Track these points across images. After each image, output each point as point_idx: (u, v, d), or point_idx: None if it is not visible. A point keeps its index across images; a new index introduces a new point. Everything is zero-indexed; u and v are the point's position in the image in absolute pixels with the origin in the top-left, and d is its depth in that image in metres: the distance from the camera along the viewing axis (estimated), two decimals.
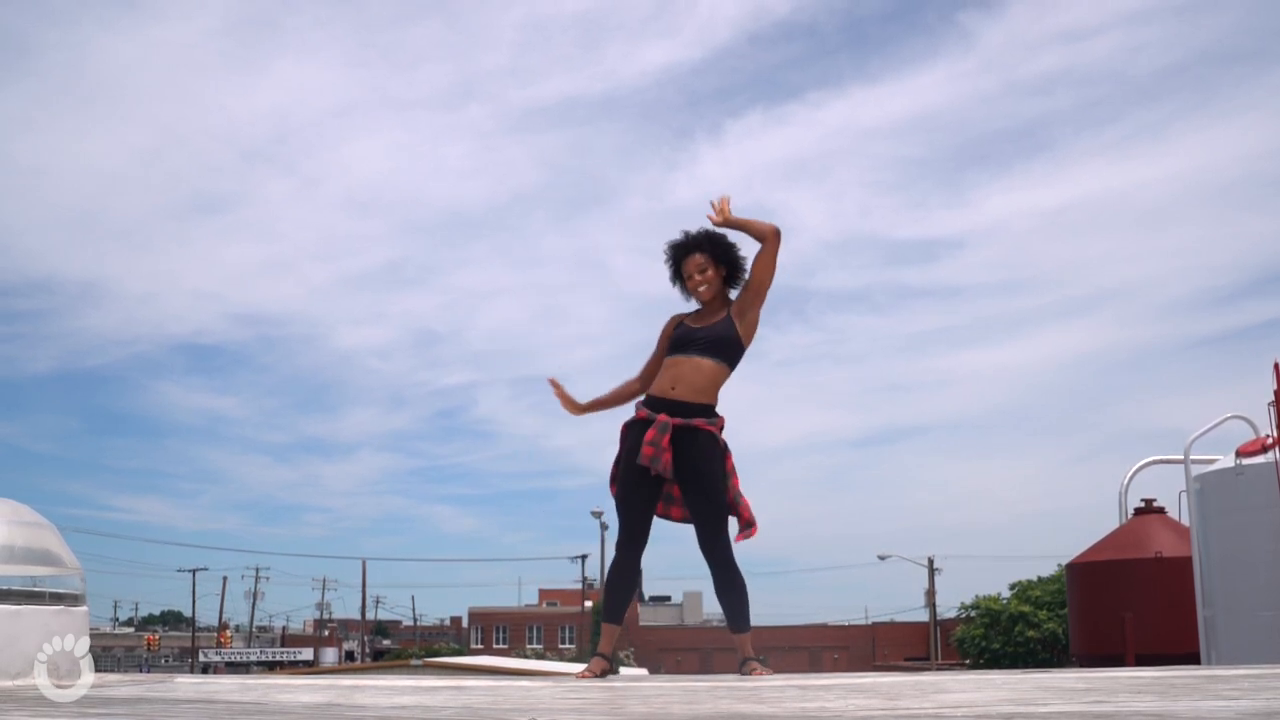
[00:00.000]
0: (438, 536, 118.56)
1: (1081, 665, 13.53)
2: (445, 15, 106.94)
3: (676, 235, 4.92)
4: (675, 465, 4.61)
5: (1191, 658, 10.62)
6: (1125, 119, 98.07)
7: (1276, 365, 9.34)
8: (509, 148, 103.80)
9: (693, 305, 4.93)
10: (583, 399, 5.10)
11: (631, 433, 4.73)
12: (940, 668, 38.87)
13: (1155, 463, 15.38)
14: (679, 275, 4.91)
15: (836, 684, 3.90)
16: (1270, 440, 9.69)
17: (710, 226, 4.83)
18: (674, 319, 4.95)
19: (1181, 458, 11.04)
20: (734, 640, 4.85)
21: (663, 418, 4.62)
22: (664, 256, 4.93)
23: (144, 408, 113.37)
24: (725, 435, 4.76)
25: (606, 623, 4.87)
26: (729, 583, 4.73)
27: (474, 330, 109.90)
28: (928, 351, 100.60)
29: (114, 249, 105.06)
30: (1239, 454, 10.03)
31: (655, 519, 4.77)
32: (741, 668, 4.68)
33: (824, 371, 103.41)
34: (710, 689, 3.72)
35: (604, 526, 42.81)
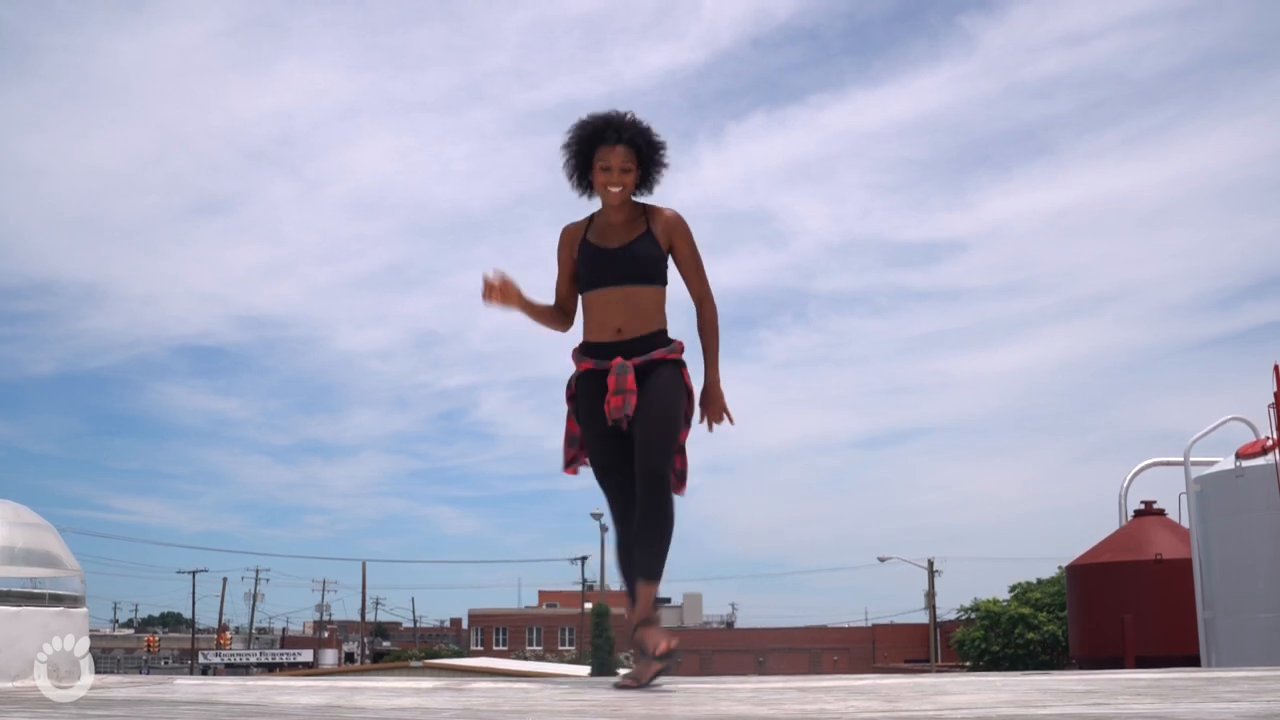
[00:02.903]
0: (438, 538, 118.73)
1: (1081, 667, 13.52)
2: (449, 18, 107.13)
3: (600, 113, 4.01)
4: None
5: (1191, 660, 10.60)
6: (1126, 122, 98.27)
7: (1276, 367, 9.33)
8: (512, 150, 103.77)
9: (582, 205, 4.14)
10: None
11: (583, 388, 4.01)
12: (940, 670, 38.86)
13: (1155, 464, 15.35)
14: (586, 159, 4.02)
15: (836, 686, 3.90)
16: (1270, 442, 9.68)
17: (636, 116, 4.01)
18: (569, 233, 4.14)
19: (1181, 460, 11.02)
20: (636, 592, 3.89)
21: (618, 361, 3.90)
22: (576, 130, 4.02)
23: (145, 409, 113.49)
24: (687, 359, 4.08)
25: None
26: (654, 510, 3.82)
27: (476, 332, 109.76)
28: (928, 353, 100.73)
29: (117, 250, 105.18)
30: (1239, 456, 10.02)
31: None
32: (636, 633, 3.83)
33: (825, 373, 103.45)
34: (710, 691, 3.72)
35: (604, 529, 42.74)
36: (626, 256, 3.96)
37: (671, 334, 4.08)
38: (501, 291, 4.08)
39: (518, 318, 4.18)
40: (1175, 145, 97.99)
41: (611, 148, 3.95)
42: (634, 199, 4.06)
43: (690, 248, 4.07)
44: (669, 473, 3.88)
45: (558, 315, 4.20)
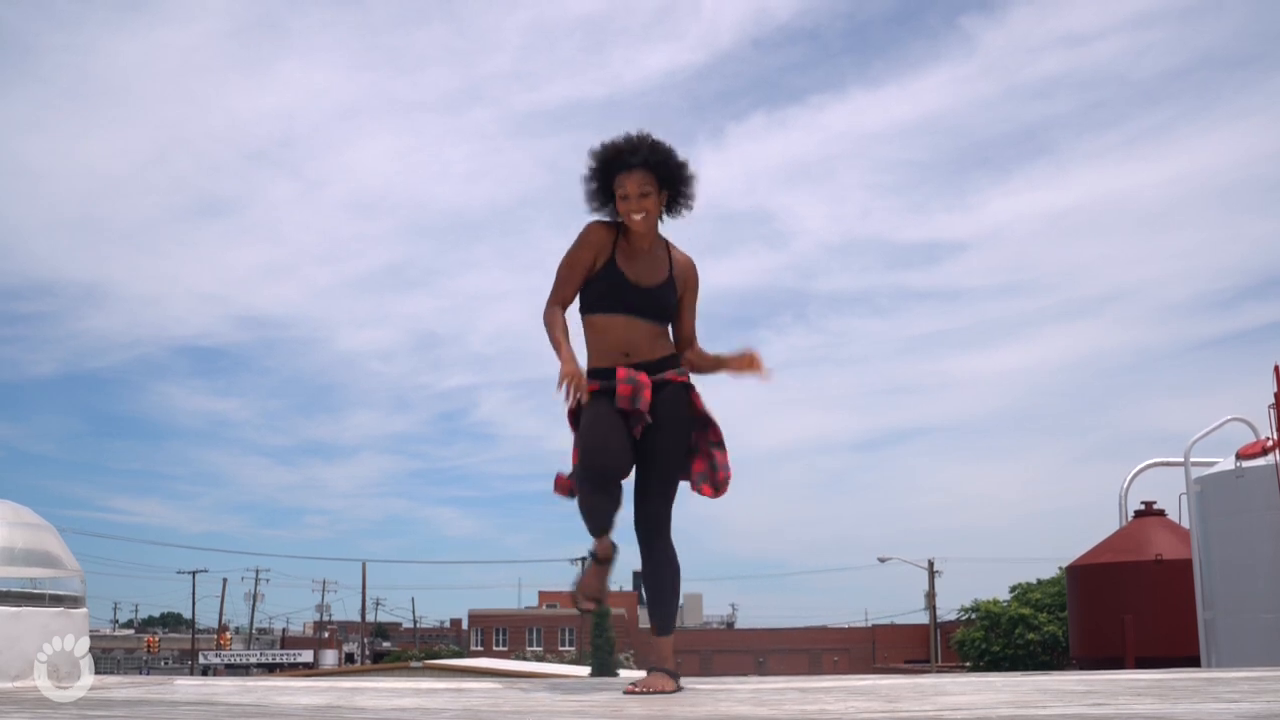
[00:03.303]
0: (438, 539, 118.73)
1: (1081, 668, 13.52)
2: (450, 19, 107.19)
3: (614, 139, 3.87)
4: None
5: (1191, 660, 10.60)
6: (1127, 122, 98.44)
7: (1277, 368, 9.33)
8: (512, 150, 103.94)
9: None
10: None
11: (593, 398, 3.81)
12: (940, 670, 38.86)
13: (1155, 465, 15.36)
14: (606, 189, 3.87)
15: (836, 686, 3.90)
16: (1270, 443, 9.68)
17: (653, 137, 3.86)
18: (597, 238, 3.89)
19: (1182, 460, 11.02)
20: (654, 644, 3.91)
21: (630, 371, 3.79)
22: (590, 161, 3.87)
23: (146, 410, 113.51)
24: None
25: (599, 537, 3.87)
26: (665, 562, 3.83)
27: (476, 333, 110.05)
28: (929, 354, 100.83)
29: (117, 251, 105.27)
30: (1239, 456, 10.02)
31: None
32: (650, 674, 3.76)
33: (825, 374, 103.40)
34: (710, 691, 3.72)
35: None
36: (654, 299, 3.86)
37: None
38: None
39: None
40: (1175, 146, 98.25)
41: (628, 173, 3.80)
42: (660, 229, 3.93)
43: (695, 297, 4.02)
44: (669, 522, 3.85)
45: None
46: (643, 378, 3.77)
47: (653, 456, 3.82)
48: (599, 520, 3.81)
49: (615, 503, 3.80)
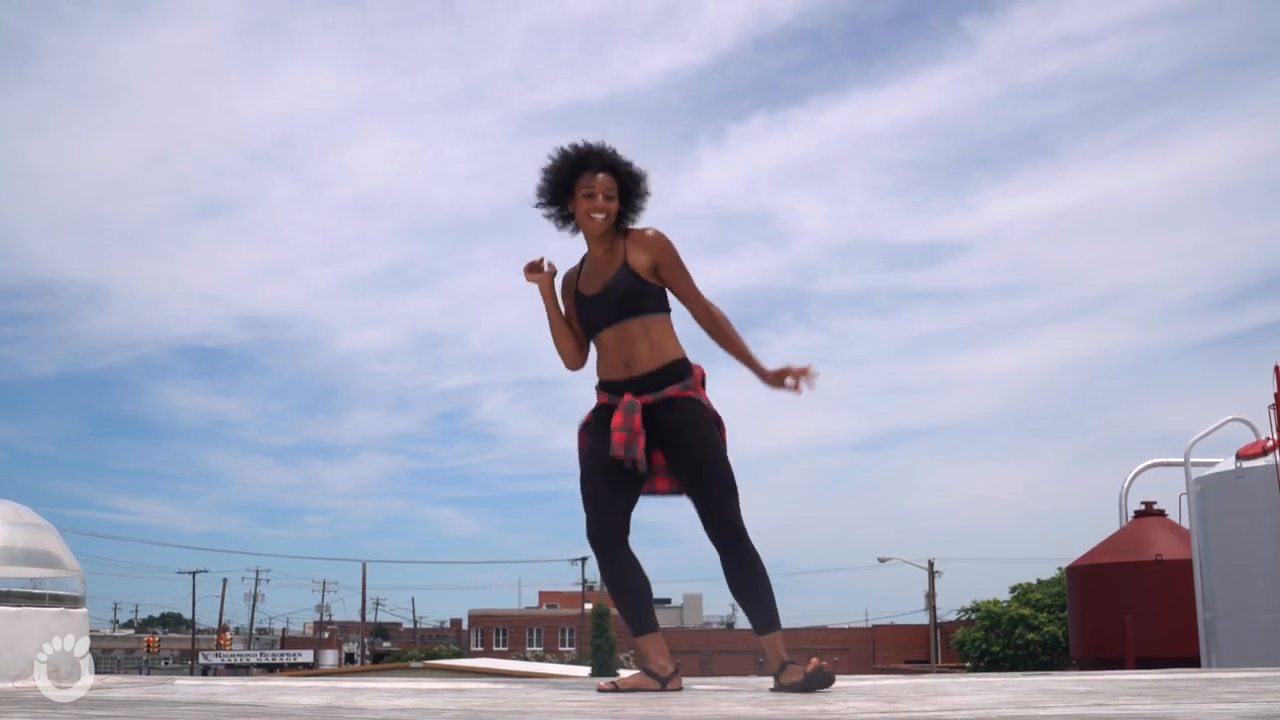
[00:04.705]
0: (438, 539, 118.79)
1: (1082, 668, 13.51)
2: (451, 20, 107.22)
3: (567, 146, 3.90)
4: (656, 441, 3.79)
5: (1192, 661, 10.60)
6: (1127, 123, 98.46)
7: (1277, 368, 9.33)
8: (513, 151, 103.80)
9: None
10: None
11: (594, 426, 3.88)
12: (940, 671, 38.84)
13: (1156, 465, 15.36)
14: (566, 187, 3.88)
15: (837, 686, 3.90)
16: (1270, 443, 9.68)
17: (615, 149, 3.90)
18: (566, 281, 4.02)
19: (1182, 460, 11.02)
20: (762, 643, 3.75)
21: (628, 397, 3.77)
22: (557, 156, 3.89)
23: (146, 410, 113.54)
24: (708, 390, 3.92)
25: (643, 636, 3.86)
26: (744, 564, 3.70)
27: (477, 333, 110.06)
28: (929, 354, 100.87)
29: (119, 252, 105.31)
30: (1239, 457, 10.02)
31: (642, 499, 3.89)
32: (781, 676, 3.61)
33: (825, 374, 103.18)
34: (711, 691, 3.72)
35: None
36: (604, 301, 3.83)
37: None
38: (539, 270, 3.95)
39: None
40: (1176, 146, 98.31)
41: (594, 175, 3.83)
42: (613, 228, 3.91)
43: (675, 264, 3.86)
44: (742, 522, 3.72)
45: (572, 335, 4.00)
46: (637, 421, 3.73)
47: (694, 474, 3.74)
48: (627, 609, 3.81)
49: (630, 571, 3.81)
